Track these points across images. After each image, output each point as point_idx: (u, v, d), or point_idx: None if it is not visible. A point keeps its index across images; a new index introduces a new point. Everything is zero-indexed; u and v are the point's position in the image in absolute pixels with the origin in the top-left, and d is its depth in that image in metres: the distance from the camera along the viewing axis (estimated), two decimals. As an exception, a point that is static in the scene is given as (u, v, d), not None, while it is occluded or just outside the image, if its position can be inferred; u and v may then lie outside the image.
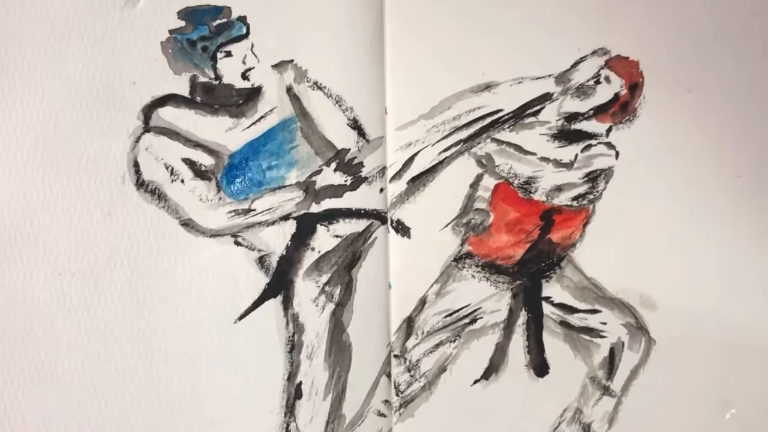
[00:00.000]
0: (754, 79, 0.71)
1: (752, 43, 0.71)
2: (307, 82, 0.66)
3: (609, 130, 0.69)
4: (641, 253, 0.69)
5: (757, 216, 0.70)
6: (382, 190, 0.67)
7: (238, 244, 0.65)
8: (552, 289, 0.69)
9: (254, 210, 0.65)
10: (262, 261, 0.65)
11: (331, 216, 0.66)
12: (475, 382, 0.67)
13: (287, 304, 0.65)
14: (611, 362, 0.68)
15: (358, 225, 0.67)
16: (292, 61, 0.66)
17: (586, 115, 0.69)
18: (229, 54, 0.65)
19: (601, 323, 0.69)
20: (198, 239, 0.64)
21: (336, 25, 0.66)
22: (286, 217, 0.66)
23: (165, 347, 0.63)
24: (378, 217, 0.67)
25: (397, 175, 0.67)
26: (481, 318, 0.68)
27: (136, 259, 0.63)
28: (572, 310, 0.69)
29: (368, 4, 0.67)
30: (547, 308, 0.68)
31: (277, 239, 0.65)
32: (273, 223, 0.65)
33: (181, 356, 0.63)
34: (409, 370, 0.67)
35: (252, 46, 0.65)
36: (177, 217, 0.63)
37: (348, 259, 0.66)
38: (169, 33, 0.64)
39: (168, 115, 0.64)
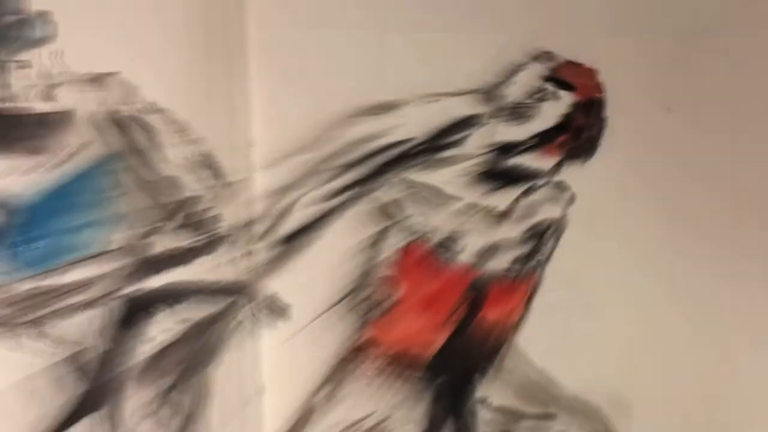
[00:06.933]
0: (751, 93, 0.70)
1: (752, 44, 0.70)
2: (139, 103, 0.63)
3: (559, 167, 0.68)
4: (607, 336, 0.69)
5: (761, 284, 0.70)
6: (247, 253, 0.65)
7: (38, 336, 0.60)
8: (489, 388, 0.67)
9: (62, 288, 0.61)
10: (74, 361, 0.61)
11: (175, 293, 0.64)
12: None
13: (113, 421, 0.61)
14: (572, 490, 0.63)
15: (214, 304, 0.64)
16: (117, 74, 0.62)
17: (527, 146, 0.68)
18: (25, 64, 0.60)
19: None
20: None
21: (179, 26, 0.64)
22: (109, 297, 0.62)
23: None
24: (242, 292, 0.65)
25: (269, 232, 0.65)
26: None
27: None
28: (518, 416, 0.67)
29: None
30: (483, 415, 0.67)
31: (96, 329, 0.61)
32: (90, 305, 0.61)
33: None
34: None
35: (60, 53, 0.61)
36: None
37: (201, 353, 0.64)
38: None
39: None
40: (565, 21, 0.69)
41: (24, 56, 0.61)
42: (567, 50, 0.69)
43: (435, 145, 0.68)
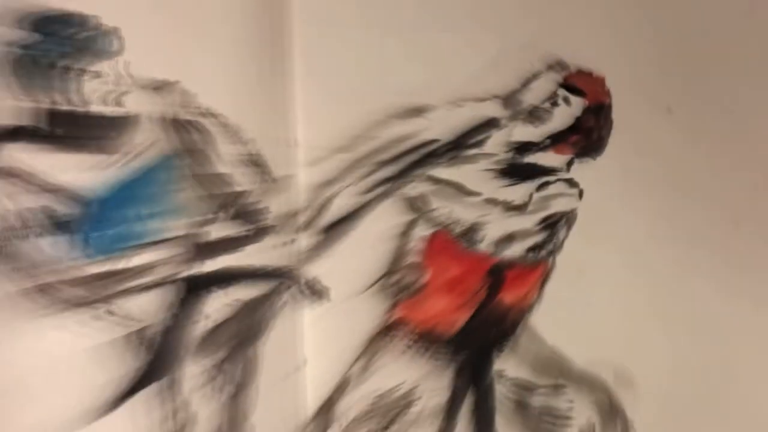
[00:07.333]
0: (751, 95, 0.72)
1: (747, 49, 0.72)
2: (196, 108, 0.66)
3: (570, 164, 0.70)
4: (614, 316, 0.70)
5: (760, 275, 0.71)
6: (291, 241, 0.67)
7: (108, 313, 0.63)
8: (506, 363, 0.69)
9: (128, 271, 0.64)
10: (139, 335, 0.64)
11: (227, 276, 0.66)
12: (413, 485, 0.67)
13: (173, 388, 0.64)
14: (580, 455, 0.67)
15: (262, 286, 0.67)
16: (177, 82, 0.65)
17: (541, 146, 0.70)
18: (97, 74, 0.64)
19: (568, 402, 0.69)
20: (55, 309, 0.61)
21: (231, 39, 0.67)
22: (169, 280, 0.65)
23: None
24: (287, 275, 0.67)
25: (311, 223, 0.67)
26: (419, 400, 0.68)
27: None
28: (531, 387, 0.69)
29: (270, 11, 0.67)
30: (500, 387, 0.69)
31: (158, 307, 0.64)
32: (153, 286, 0.64)
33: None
34: (328, 473, 0.67)
35: (127, 64, 0.64)
36: (27, 281, 0.61)
37: (250, 329, 0.66)
38: (15, 47, 0.62)
39: (17, 151, 0.62)
40: (576, 34, 0.71)
41: (96, 67, 0.64)
42: (578, 59, 0.70)
43: (459, 145, 0.69)
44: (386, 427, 0.67)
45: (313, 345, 0.67)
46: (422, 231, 0.69)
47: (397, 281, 0.69)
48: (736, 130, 0.72)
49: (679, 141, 0.71)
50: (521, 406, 0.69)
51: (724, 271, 0.72)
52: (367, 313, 0.68)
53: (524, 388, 0.69)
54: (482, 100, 0.69)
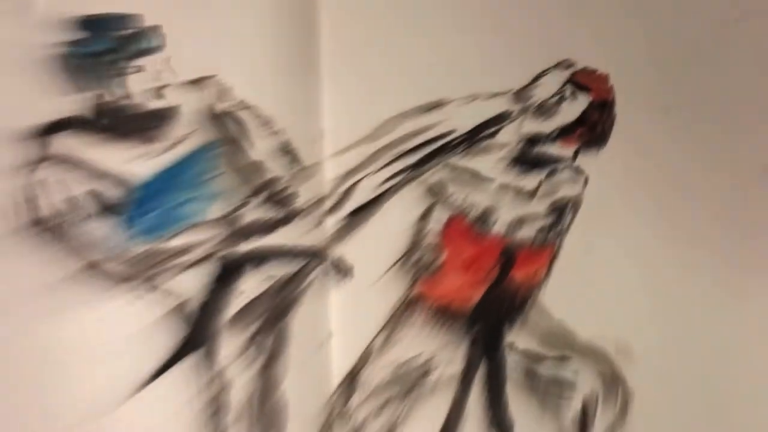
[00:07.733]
0: (742, 95, 0.72)
1: (746, 49, 0.73)
2: (232, 101, 0.68)
3: (576, 154, 0.71)
4: (615, 293, 0.71)
5: (746, 255, 0.71)
6: (319, 224, 0.68)
7: (151, 289, 0.65)
8: (516, 335, 0.70)
9: (170, 250, 0.66)
10: (180, 309, 0.66)
11: (260, 255, 0.68)
12: (430, 445, 0.67)
13: (210, 358, 0.66)
14: (584, 419, 0.69)
15: (292, 265, 0.68)
16: (214, 76, 0.67)
17: (549, 137, 0.71)
18: (140, 69, 0.66)
19: (573, 372, 0.70)
20: (104, 285, 0.64)
21: (264, 37, 0.68)
22: (208, 258, 0.67)
23: (60, 418, 0.63)
24: (315, 255, 0.68)
25: (337, 207, 0.69)
26: (436, 370, 0.69)
27: (26, 312, 0.63)
28: (539, 358, 0.70)
29: (301, 12, 0.69)
30: (510, 358, 0.70)
31: (197, 283, 0.67)
32: (193, 264, 0.66)
33: (80, 430, 0.63)
34: (353, 433, 0.67)
35: (168, 59, 0.67)
36: (78, 260, 0.64)
37: (281, 304, 0.68)
38: (66, 45, 0.65)
39: (68, 141, 0.65)
40: (582, 34, 0.71)
41: (139, 62, 0.67)
42: (584, 58, 0.71)
43: (474, 136, 0.70)
44: (405, 394, 0.68)
45: (339, 319, 0.68)
46: (440, 215, 0.70)
47: (416, 261, 0.70)
48: (736, 129, 0.72)
49: (679, 141, 0.71)
50: (530, 376, 0.70)
51: (712, 249, 0.71)
52: (389, 290, 0.69)
53: (533, 359, 0.70)
54: (495, 95, 0.70)
